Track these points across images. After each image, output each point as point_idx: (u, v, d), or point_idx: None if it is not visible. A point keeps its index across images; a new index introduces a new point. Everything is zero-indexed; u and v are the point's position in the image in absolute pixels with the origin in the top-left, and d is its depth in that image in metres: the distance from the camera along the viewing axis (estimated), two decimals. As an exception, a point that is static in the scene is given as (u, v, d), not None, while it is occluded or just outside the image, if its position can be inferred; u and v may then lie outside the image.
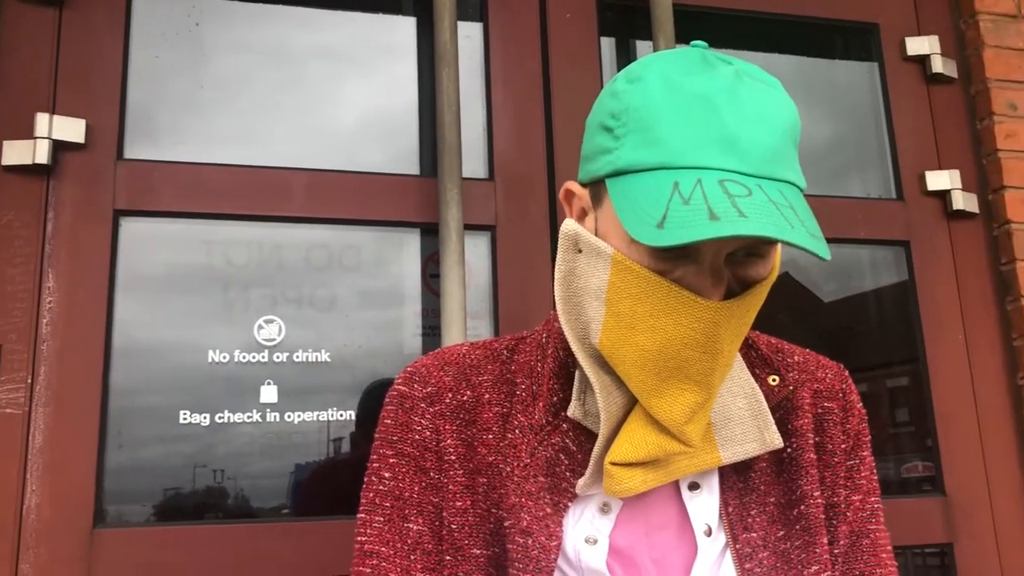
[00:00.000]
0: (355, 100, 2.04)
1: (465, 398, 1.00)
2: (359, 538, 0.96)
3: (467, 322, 1.85)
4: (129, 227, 1.83)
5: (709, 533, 0.96)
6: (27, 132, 1.76)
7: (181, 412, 1.77)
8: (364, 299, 1.93)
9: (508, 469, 0.95)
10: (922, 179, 2.28)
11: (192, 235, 1.86)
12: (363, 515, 0.97)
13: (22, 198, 1.76)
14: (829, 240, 2.17)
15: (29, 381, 1.69)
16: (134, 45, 1.91)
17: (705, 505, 0.97)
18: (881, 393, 2.34)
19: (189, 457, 1.76)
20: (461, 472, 0.96)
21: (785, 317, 2.28)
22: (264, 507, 1.80)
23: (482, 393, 1.00)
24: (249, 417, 1.80)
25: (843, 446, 1.04)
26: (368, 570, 0.94)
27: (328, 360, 1.86)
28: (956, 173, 2.28)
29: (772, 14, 2.33)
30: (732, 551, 0.95)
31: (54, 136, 1.76)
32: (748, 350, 1.05)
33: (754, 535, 0.96)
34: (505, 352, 1.05)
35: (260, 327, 1.84)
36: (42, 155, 1.75)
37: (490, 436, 0.98)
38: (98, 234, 1.78)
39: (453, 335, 1.80)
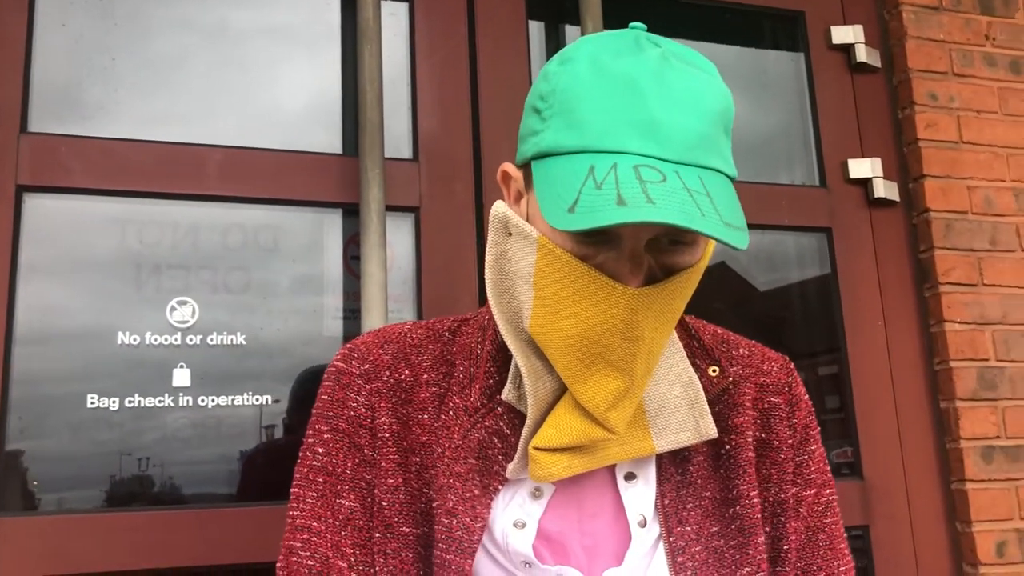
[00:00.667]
0: (277, 76, 1.99)
1: (403, 377, 0.99)
2: (292, 512, 0.95)
3: (389, 305, 1.82)
4: (33, 204, 1.75)
5: (644, 524, 0.95)
6: (-77, 102, 1.68)
7: (88, 396, 1.71)
8: (282, 281, 1.88)
9: (440, 450, 0.95)
10: (845, 167, 2.31)
11: (102, 213, 1.79)
12: (296, 490, 0.96)
13: (-83, 172, 1.68)
14: (754, 226, 2.19)
15: (-76, 363, 1.62)
16: (40, 14, 1.83)
17: (641, 495, 0.97)
18: (807, 380, 2.36)
19: (97, 442, 1.70)
20: (394, 450, 0.96)
21: (720, 305, 2.30)
22: (177, 493, 1.75)
23: (420, 373, 0.99)
24: (161, 401, 1.74)
25: (790, 441, 1.03)
26: (299, 544, 0.93)
27: (244, 343, 1.81)
28: (878, 161, 2.31)
29: (700, 0, 2.33)
30: (665, 543, 0.95)
31: (-48, 107, 1.69)
32: (690, 340, 1.04)
33: (688, 529, 0.96)
34: (447, 333, 1.04)
35: (173, 309, 1.79)
36: (-61, 127, 1.67)
37: (425, 416, 0.97)
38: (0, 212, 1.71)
39: (373, 318, 1.77)
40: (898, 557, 2.12)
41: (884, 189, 2.29)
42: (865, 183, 2.31)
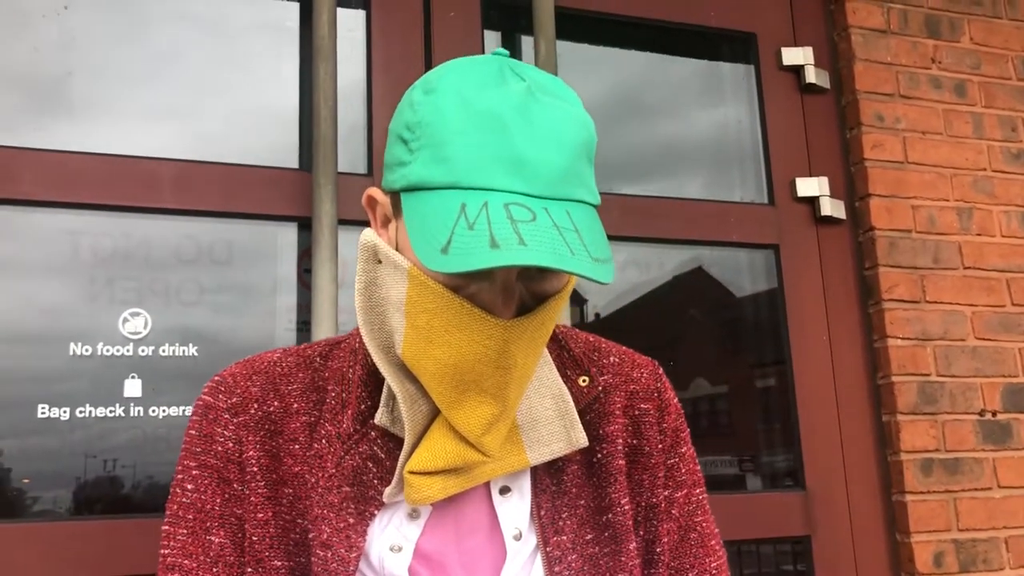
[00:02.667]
0: (235, 90, 2.02)
1: (272, 408, 0.98)
2: (163, 551, 0.95)
3: (339, 318, 1.85)
4: (-13, 215, 1.77)
5: (519, 537, 0.97)
6: None
7: (39, 406, 1.73)
8: (235, 293, 1.91)
9: (313, 480, 0.95)
10: (792, 185, 2.37)
11: (55, 225, 1.82)
12: (167, 527, 0.96)
13: None
14: (704, 243, 2.24)
15: None
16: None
17: (515, 509, 0.98)
18: (754, 392, 2.42)
19: (47, 452, 1.72)
20: (263, 483, 0.95)
21: (696, 312, 2.34)
22: (128, 503, 1.77)
23: (291, 403, 0.99)
24: (112, 411, 1.76)
25: (660, 446, 1.06)
26: None
27: (195, 355, 1.84)
28: (825, 180, 2.37)
29: (653, 20, 2.38)
30: (542, 554, 0.96)
31: (-94, 119, 1.70)
32: (560, 351, 1.06)
33: (564, 538, 0.97)
34: (318, 359, 1.04)
35: (125, 320, 1.81)
36: None
37: (296, 446, 0.97)
38: (-47, 222, 1.73)
39: (324, 330, 1.80)
40: (838, 566, 2.17)
41: (831, 207, 2.35)
42: (812, 201, 2.37)
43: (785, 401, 2.28)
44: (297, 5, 2.11)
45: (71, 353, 1.77)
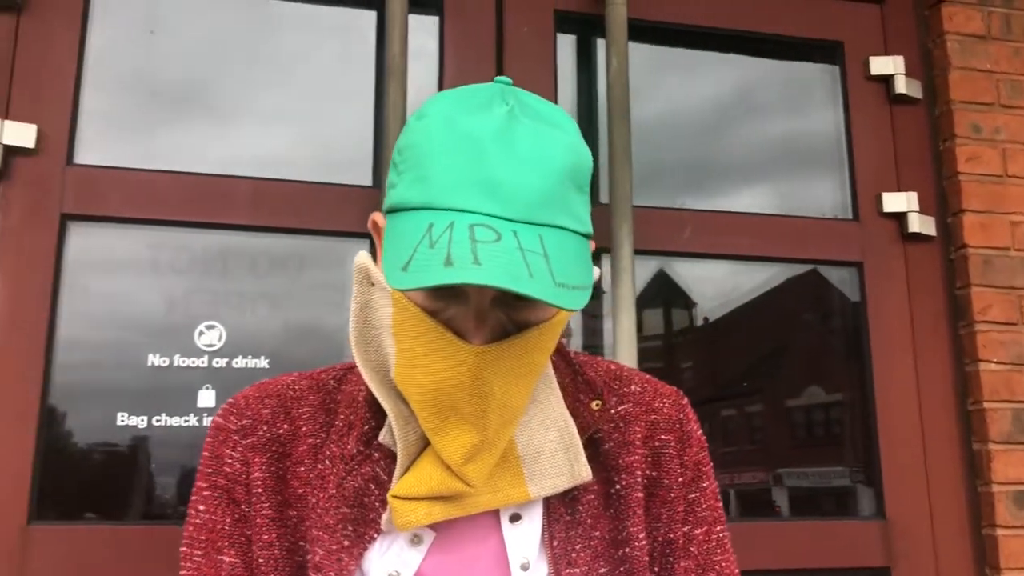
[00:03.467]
0: (311, 109, 2.07)
1: (281, 431, 1.00)
2: (181, 572, 0.98)
3: (405, 333, 1.88)
4: (76, 231, 1.87)
5: (527, 567, 0.95)
6: (-22, 137, 1.81)
7: (119, 414, 1.81)
8: (307, 308, 1.96)
9: (314, 501, 0.95)
10: (879, 200, 2.27)
11: (137, 240, 1.90)
12: (184, 549, 0.99)
13: (-29, 201, 1.81)
14: (783, 260, 2.18)
15: (-29, 379, 1.74)
16: (89, 52, 1.95)
17: (525, 537, 0.96)
18: (834, 414, 2.33)
19: (125, 458, 1.80)
20: (268, 505, 0.97)
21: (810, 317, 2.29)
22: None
23: (300, 425, 1.00)
24: (186, 421, 1.84)
25: (681, 479, 1.03)
26: None
27: (267, 367, 1.90)
28: (914, 195, 2.27)
29: (733, 30, 2.33)
30: None
31: (5, 141, 1.81)
32: (574, 375, 1.03)
33: (576, 571, 0.95)
34: (332, 382, 1.05)
35: (201, 332, 1.88)
36: (-8, 160, 1.80)
37: (302, 468, 0.98)
38: (44, 238, 1.83)
39: (388, 346, 1.83)
40: (920, 601, 2.08)
41: (920, 224, 2.25)
42: (900, 217, 2.27)
43: (866, 426, 2.20)
44: (374, 22, 2.15)
45: (149, 364, 1.85)
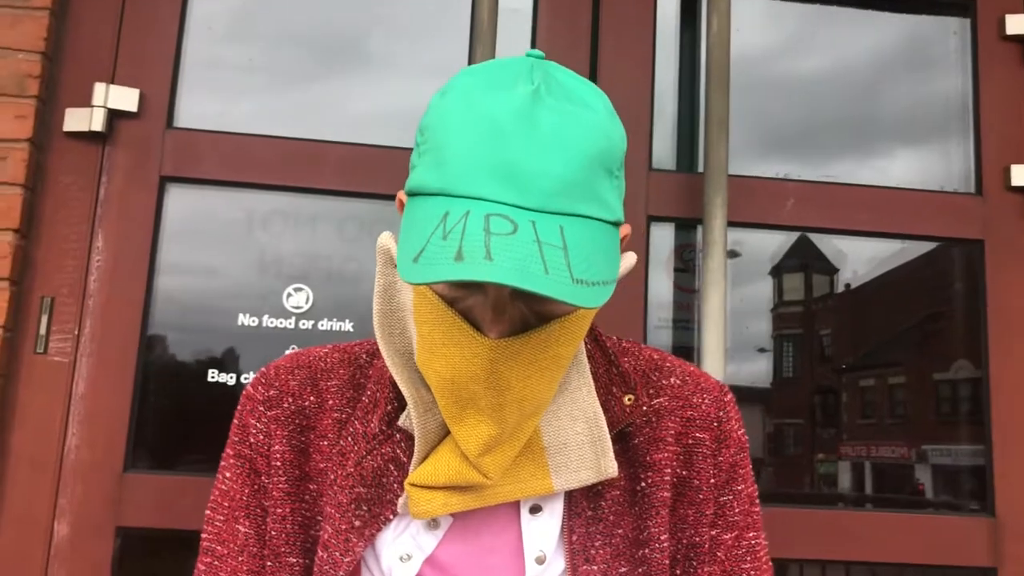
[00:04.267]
0: (405, 76, 2.07)
1: (307, 403, 0.99)
2: (203, 534, 1.00)
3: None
4: (174, 193, 1.94)
5: (542, 560, 0.92)
6: (86, 100, 1.89)
7: (210, 371, 1.88)
8: (391, 272, 1.97)
9: (333, 477, 0.95)
10: (1006, 173, 2.09)
11: (231, 202, 1.95)
12: (208, 511, 1.00)
13: (79, 163, 1.89)
14: (898, 236, 2.04)
15: (76, 332, 1.84)
16: (191, 17, 2.00)
17: (543, 530, 0.94)
18: (941, 402, 2.19)
19: (214, 414, 1.87)
20: (284, 479, 0.96)
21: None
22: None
23: (327, 399, 0.99)
24: (273, 380, 1.88)
25: (712, 481, 0.98)
26: (203, 567, 0.98)
27: (351, 330, 1.92)
28: (1047, 168, 2.08)
29: (851, -12, 2.18)
30: None
31: (110, 105, 1.89)
32: (609, 366, 1.00)
33: (595, 567, 0.92)
34: (364, 356, 1.03)
35: (289, 295, 1.92)
36: (98, 123, 1.87)
37: (325, 443, 0.97)
38: (144, 199, 1.90)
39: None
40: (1029, 605, 1.94)
41: (1052, 199, 2.06)
42: (1029, 191, 2.08)
43: (977, 416, 2.05)
44: (471, -14, 2.11)
45: (239, 323, 1.90)
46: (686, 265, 2.06)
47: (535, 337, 0.84)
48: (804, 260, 2.14)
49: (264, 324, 1.91)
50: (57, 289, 1.85)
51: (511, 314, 0.83)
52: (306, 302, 1.92)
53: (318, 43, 2.05)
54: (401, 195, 0.96)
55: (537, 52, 0.89)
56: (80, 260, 1.86)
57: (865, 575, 2.09)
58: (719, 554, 0.98)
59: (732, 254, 2.08)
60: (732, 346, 2.06)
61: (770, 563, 1.03)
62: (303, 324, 1.92)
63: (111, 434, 1.82)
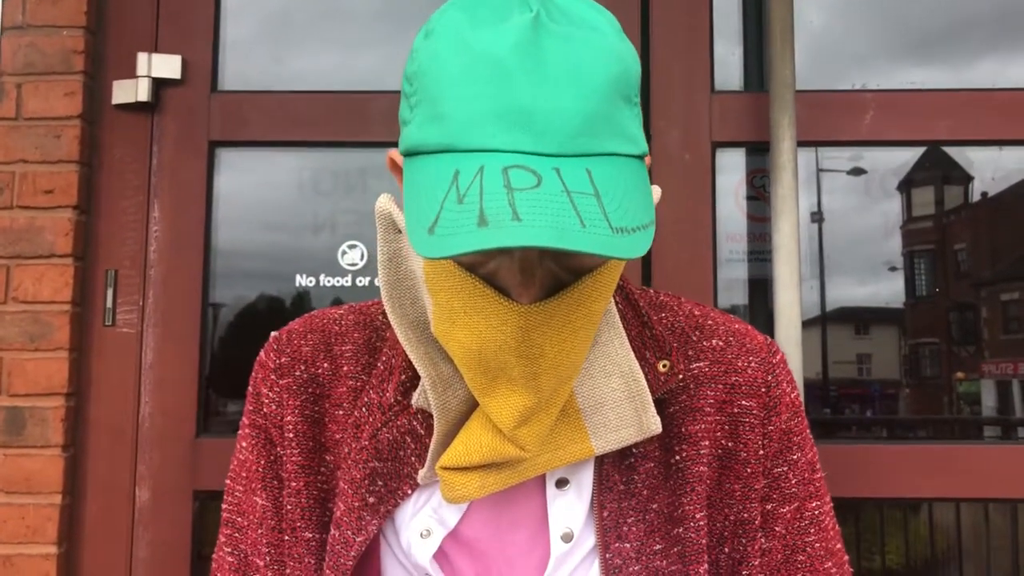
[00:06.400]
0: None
1: (320, 370, 0.93)
2: (223, 504, 0.97)
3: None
4: (223, 157, 1.93)
5: (569, 537, 0.85)
6: (131, 72, 1.89)
7: (272, 333, 1.87)
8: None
9: (347, 450, 0.90)
10: (1122, 61, 1.86)
11: (281, 163, 1.94)
12: (228, 482, 0.97)
13: (130, 134, 1.90)
14: (985, 142, 1.87)
15: (140, 304, 1.87)
16: (226, -23, 1.98)
17: (570, 505, 0.86)
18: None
19: (279, 375, 1.88)
20: (298, 452, 0.91)
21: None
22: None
23: (341, 365, 0.93)
24: (334, 339, 1.87)
25: (762, 452, 0.89)
26: (224, 539, 0.96)
27: (407, 284, 1.89)
28: None
29: None
30: (601, 560, 0.84)
31: (154, 74, 1.88)
32: (642, 328, 0.90)
33: (628, 545, 0.85)
34: (381, 317, 0.96)
35: (343, 252, 1.90)
36: (143, 92, 1.87)
37: (340, 412, 0.92)
38: (195, 165, 1.90)
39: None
40: None
41: None
42: None
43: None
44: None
45: (297, 284, 1.89)
46: (758, 192, 1.93)
47: (568, 297, 0.75)
48: (933, 172, 2.00)
49: (321, 283, 1.89)
50: (120, 262, 1.88)
51: (540, 275, 0.75)
52: (361, 259, 1.90)
53: (357, -10, 1.99)
54: (393, 154, 0.86)
55: None
56: (139, 232, 1.88)
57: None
58: (778, 528, 0.90)
59: (857, 171, 1.95)
60: (863, 267, 1.96)
61: (838, 529, 0.94)
62: (360, 281, 1.89)
63: (181, 401, 1.85)
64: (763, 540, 0.90)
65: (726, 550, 0.89)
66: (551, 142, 0.69)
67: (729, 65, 1.94)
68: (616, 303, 0.92)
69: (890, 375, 2.03)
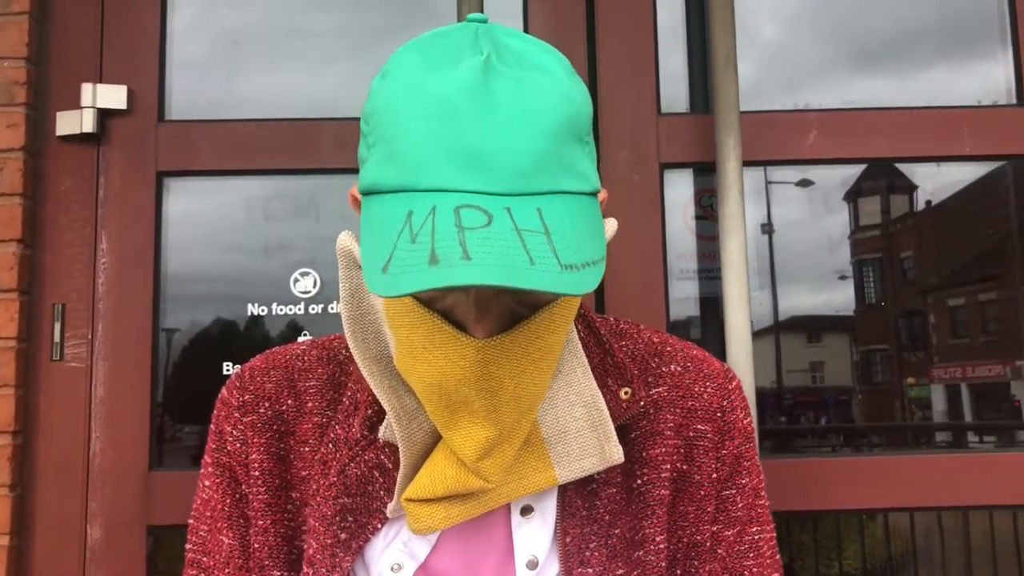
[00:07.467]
0: (396, 43, 1.99)
1: (284, 407, 0.94)
2: (187, 545, 0.96)
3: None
4: (172, 187, 1.91)
5: (534, 564, 0.87)
6: (75, 102, 1.86)
7: (224, 363, 1.86)
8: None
9: (315, 487, 0.90)
10: (1051, 79, 1.92)
11: (231, 191, 1.92)
12: (191, 521, 0.97)
13: (76, 166, 1.88)
14: (925, 159, 1.91)
15: (90, 337, 1.84)
16: (173, 8, 1.96)
17: (535, 532, 0.88)
18: (980, 336, 2.05)
19: (233, 406, 1.86)
20: (264, 490, 0.92)
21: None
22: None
23: (305, 401, 0.94)
24: (288, 367, 1.86)
25: (715, 475, 0.91)
26: None
27: (361, 311, 1.88)
28: (1097, 68, 1.90)
29: None
30: None
31: (99, 104, 1.86)
32: (604, 355, 0.92)
33: (590, 571, 0.86)
34: (344, 352, 0.97)
35: (296, 280, 1.89)
36: (89, 124, 1.85)
37: (306, 449, 0.92)
38: (143, 196, 1.88)
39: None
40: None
41: (1104, 102, 1.89)
42: (1079, 96, 1.91)
43: (1014, 350, 1.91)
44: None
45: (249, 313, 1.88)
46: (706, 212, 1.96)
47: (524, 330, 0.77)
48: (879, 182, 2.06)
49: (274, 312, 1.88)
50: (67, 295, 1.85)
51: (497, 310, 0.77)
52: (314, 286, 1.89)
53: (302, 19, 1.98)
54: (354, 191, 0.88)
55: (480, 15, 0.82)
56: (87, 264, 1.86)
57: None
58: (720, 551, 0.92)
59: (805, 183, 1.99)
60: (814, 276, 2.01)
61: (776, 557, 0.96)
62: (312, 309, 1.88)
63: (133, 435, 1.82)
64: (707, 562, 0.91)
65: (678, 572, 0.90)
66: (502, 182, 0.71)
67: (675, 87, 1.97)
68: (578, 331, 0.94)
69: (842, 382, 2.07)
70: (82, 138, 1.87)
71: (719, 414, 0.93)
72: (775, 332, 2.02)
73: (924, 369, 2.05)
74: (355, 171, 1.83)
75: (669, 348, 0.96)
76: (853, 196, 2.04)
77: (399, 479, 0.85)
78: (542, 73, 0.76)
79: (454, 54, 0.76)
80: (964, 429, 2.12)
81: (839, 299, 2.02)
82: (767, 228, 2.00)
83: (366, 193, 0.78)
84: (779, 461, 1.73)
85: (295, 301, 1.88)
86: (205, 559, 0.95)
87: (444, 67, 0.74)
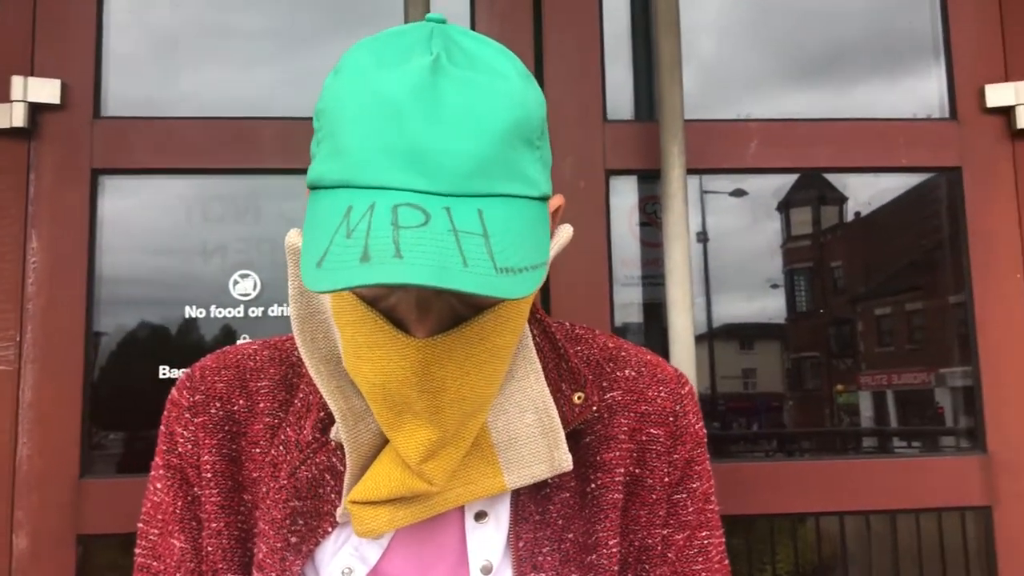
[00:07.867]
0: (336, 47, 1.97)
1: (236, 408, 0.92)
2: (136, 550, 0.94)
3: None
4: (107, 185, 1.85)
5: (489, 570, 0.87)
6: (5, 96, 1.80)
7: (160, 367, 1.81)
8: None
9: (265, 490, 0.89)
10: (981, 94, 1.98)
11: (168, 190, 1.87)
12: (140, 525, 0.95)
13: (5, 162, 1.81)
14: (866, 169, 1.96)
15: (18, 339, 1.77)
16: (109, 1, 1.90)
17: (489, 537, 0.88)
18: (928, 338, 2.11)
19: (169, 411, 1.81)
20: (216, 492, 0.90)
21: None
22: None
23: (257, 401, 0.93)
24: (227, 371, 1.82)
25: (666, 479, 0.92)
26: None
27: (303, 314, 1.85)
28: (1024, 85, 1.97)
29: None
30: None
31: (30, 99, 1.79)
32: (558, 362, 0.92)
33: (543, 575, 0.86)
34: (296, 354, 0.96)
35: (235, 282, 1.85)
36: (19, 118, 1.78)
37: (257, 450, 0.91)
38: (77, 194, 1.82)
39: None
40: (1026, 543, 1.87)
41: (1032, 119, 1.95)
42: (1007, 112, 1.97)
43: (964, 351, 1.97)
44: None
45: (187, 315, 1.83)
46: (650, 219, 1.98)
47: (467, 331, 0.76)
48: (810, 192, 2.10)
49: (212, 314, 1.84)
50: (-6, 295, 1.78)
51: (438, 309, 0.76)
52: (254, 288, 1.85)
53: (243, 16, 1.94)
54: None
55: (438, 15, 0.80)
56: (15, 264, 1.79)
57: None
58: (669, 555, 0.93)
59: (739, 192, 2.02)
60: (747, 285, 2.03)
61: (725, 562, 0.97)
62: (252, 312, 1.85)
63: (63, 441, 1.76)
64: (657, 566, 0.92)
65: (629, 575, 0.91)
66: (444, 182, 0.71)
67: (621, 95, 1.98)
68: (533, 335, 0.93)
69: (774, 388, 2.11)
70: (12, 133, 1.80)
71: (671, 418, 0.93)
72: (709, 339, 2.05)
73: (852, 376, 2.10)
74: (297, 171, 1.81)
75: (624, 353, 0.97)
76: (785, 206, 2.08)
77: (346, 481, 0.84)
78: (493, 75, 0.75)
79: (405, 53, 0.75)
80: (891, 435, 2.17)
81: (772, 307, 2.05)
82: (702, 236, 2.02)
83: (312, 187, 0.78)
84: (713, 465, 1.75)
85: (234, 304, 1.84)
86: (155, 564, 0.93)
87: (393, 66, 0.74)
